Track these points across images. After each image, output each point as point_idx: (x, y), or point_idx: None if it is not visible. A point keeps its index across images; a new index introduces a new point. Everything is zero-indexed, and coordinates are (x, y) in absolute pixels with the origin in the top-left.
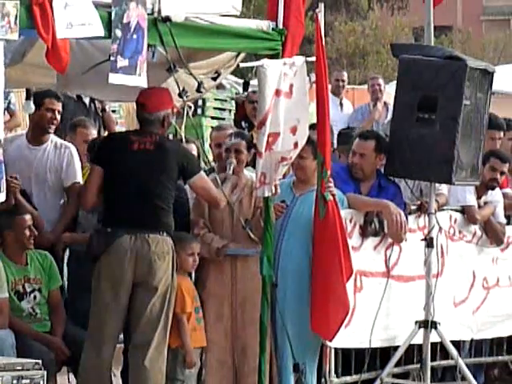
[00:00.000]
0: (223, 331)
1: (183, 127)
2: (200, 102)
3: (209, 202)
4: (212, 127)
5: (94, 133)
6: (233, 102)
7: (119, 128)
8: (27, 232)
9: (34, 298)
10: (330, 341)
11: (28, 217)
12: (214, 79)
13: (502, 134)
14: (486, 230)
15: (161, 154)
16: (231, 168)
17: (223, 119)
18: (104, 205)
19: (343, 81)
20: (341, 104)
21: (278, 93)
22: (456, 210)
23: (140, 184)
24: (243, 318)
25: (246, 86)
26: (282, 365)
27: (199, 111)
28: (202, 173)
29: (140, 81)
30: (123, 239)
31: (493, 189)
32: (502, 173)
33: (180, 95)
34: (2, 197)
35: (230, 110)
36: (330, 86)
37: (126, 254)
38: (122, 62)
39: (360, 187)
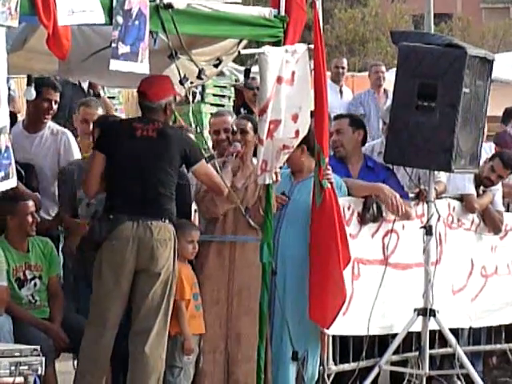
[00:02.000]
0: (218, 316)
1: (182, 114)
2: (200, 89)
3: (212, 189)
4: (211, 114)
5: (97, 112)
6: (232, 89)
7: (118, 114)
8: (30, 218)
9: (35, 285)
10: (327, 329)
11: (31, 203)
12: (216, 66)
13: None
14: (484, 218)
15: (163, 141)
16: (236, 150)
17: (223, 106)
18: (106, 191)
19: (343, 68)
20: (341, 91)
21: (279, 80)
22: (454, 198)
23: (142, 171)
24: (239, 305)
25: (247, 73)
26: (280, 353)
27: (199, 98)
28: (203, 161)
29: (142, 67)
30: (125, 226)
31: (485, 186)
32: (501, 177)
33: (181, 82)
34: (12, 182)
35: (229, 97)
36: (329, 74)
37: (128, 240)
38: (123, 49)
39: (349, 170)
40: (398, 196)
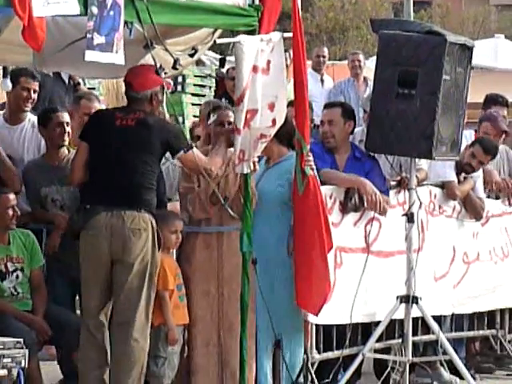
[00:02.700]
0: (209, 308)
1: (164, 105)
2: (180, 79)
3: (200, 173)
4: (193, 104)
5: (97, 106)
6: (213, 79)
7: (98, 106)
8: (10, 212)
9: (17, 277)
10: (317, 315)
11: (12, 196)
12: (191, 56)
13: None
14: (466, 205)
15: (142, 131)
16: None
17: (203, 96)
18: (87, 181)
19: (324, 57)
20: (322, 80)
21: (255, 69)
22: (436, 186)
23: (119, 160)
24: (229, 294)
25: (222, 62)
26: (259, 341)
27: (179, 88)
28: (194, 148)
29: (117, 58)
30: (100, 216)
31: (466, 172)
32: (481, 163)
33: (157, 72)
34: None
35: (210, 87)
36: (310, 62)
37: (102, 230)
38: (98, 40)
39: (336, 160)
40: (378, 193)
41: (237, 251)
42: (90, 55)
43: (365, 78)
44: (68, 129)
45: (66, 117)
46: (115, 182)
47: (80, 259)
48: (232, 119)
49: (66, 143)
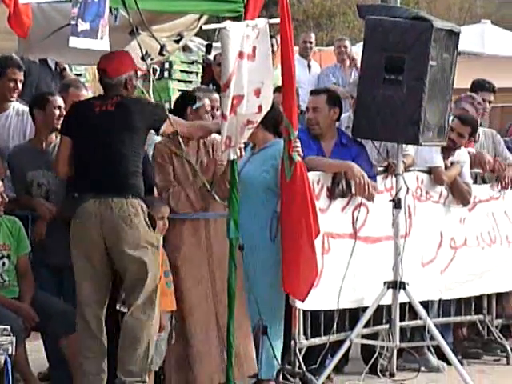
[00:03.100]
0: (204, 294)
1: (150, 91)
2: (167, 65)
3: (191, 134)
4: (179, 90)
5: (84, 94)
6: (200, 65)
7: (86, 93)
8: None
9: (3, 264)
10: (303, 301)
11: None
12: (177, 42)
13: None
14: (453, 191)
15: (122, 113)
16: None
17: (190, 82)
18: (74, 171)
19: (311, 42)
20: (309, 66)
21: (241, 55)
22: (423, 171)
23: (104, 146)
24: (222, 279)
25: (209, 48)
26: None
27: (166, 74)
28: (169, 116)
29: (102, 44)
30: (88, 204)
31: (448, 149)
32: (461, 135)
33: (143, 58)
34: None
35: (197, 73)
36: (297, 48)
37: (91, 218)
38: (82, 26)
39: (322, 147)
40: (365, 176)
41: (224, 236)
42: (74, 42)
43: (351, 64)
44: (64, 113)
45: (61, 101)
46: (101, 169)
47: (71, 247)
48: (217, 103)
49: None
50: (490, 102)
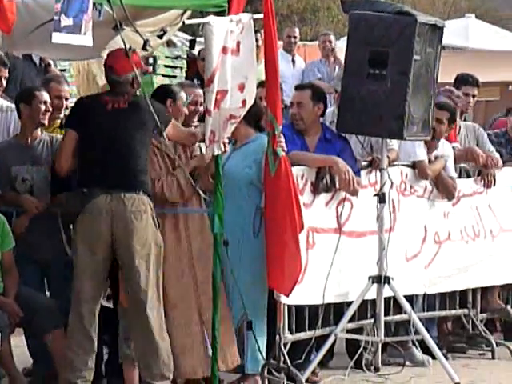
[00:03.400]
0: (186, 288)
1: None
2: (151, 60)
3: (186, 143)
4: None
5: (66, 88)
6: (184, 60)
7: (67, 88)
8: None
9: None
10: (288, 296)
11: None
12: (160, 37)
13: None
14: (437, 185)
15: (135, 112)
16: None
17: (175, 77)
18: (79, 166)
19: (295, 37)
20: (293, 61)
21: (224, 50)
22: (407, 166)
23: (115, 143)
24: (202, 273)
25: (192, 43)
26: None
27: (150, 69)
28: (172, 120)
29: (85, 40)
30: (99, 199)
31: (433, 143)
32: (439, 120)
33: (126, 54)
34: None
35: (181, 68)
36: (281, 43)
37: (102, 213)
38: (65, 21)
39: (306, 142)
40: (350, 170)
41: (201, 229)
42: (57, 37)
43: (336, 59)
44: (50, 108)
45: (47, 96)
46: (112, 165)
47: (75, 243)
48: (201, 98)
49: (46, 122)
50: (473, 96)
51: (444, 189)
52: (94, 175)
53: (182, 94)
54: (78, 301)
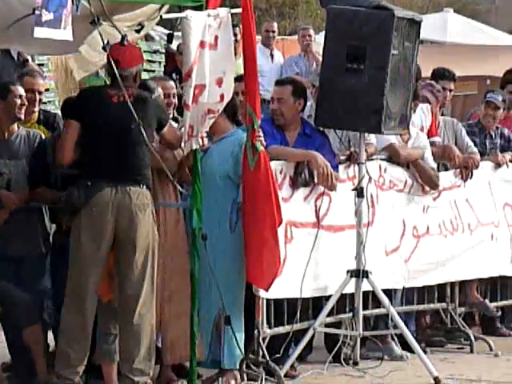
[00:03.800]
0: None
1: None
2: None
3: (175, 145)
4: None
5: (40, 83)
6: (162, 54)
7: (42, 82)
8: None
9: None
10: (267, 290)
11: None
12: (138, 31)
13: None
14: (420, 176)
15: (140, 106)
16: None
17: (153, 71)
18: (83, 158)
19: (273, 31)
20: (271, 55)
21: (202, 44)
22: (385, 160)
23: (121, 136)
24: (171, 264)
25: (170, 37)
26: (203, 316)
27: None
28: (170, 120)
29: (65, 34)
30: (104, 192)
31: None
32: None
33: (104, 48)
34: None
35: (159, 62)
36: (260, 37)
37: (108, 206)
38: (46, 16)
39: (286, 137)
40: (329, 166)
41: (175, 222)
42: (39, 32)
43: (311, 55)
44: (26, 102)
45: (23, 91)
46: (118, 159)
47: (79, 236)
48: (174, 91)
49: (23, 117)
50: (450, 91)
51: (427, 179)
52: (99, 168)
53: (159, 90)
54: (80, 295)
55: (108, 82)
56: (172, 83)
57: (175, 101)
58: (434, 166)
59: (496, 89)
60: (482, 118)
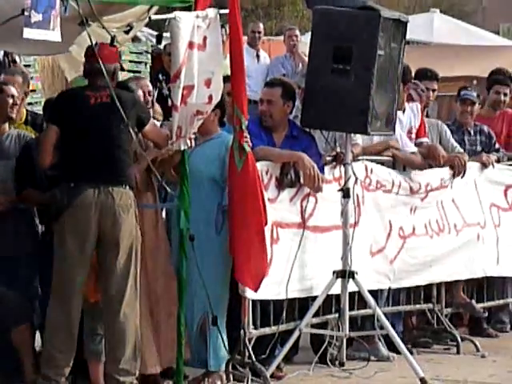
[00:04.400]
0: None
1: None
2: None
3: (160, 144)
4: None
5: (19, 80)
6: (149, 55)
7: (33, 83)
8: None
9: None
10: (256, 291)
11: None
12: (127, 32)
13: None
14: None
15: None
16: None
17: (139, 72)
18: (64, 161)
19: (259, 32)
20: (257, 56)
21: (191, 45)
22: (371, 160)
23: (101, 137)
24: (154, 266)
25: (159, 38)
26: (190, 317)
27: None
28: (151, 119)
29: (54, 35)
30: (87, 193)
31: None
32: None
33: (92, 49)
34: None
35: (145, 63)
36: (246, 38)
37: (91, 207)
38: (35, 17)
39: (273, 138)
40: (315, 167)
41: (154, 224)
42: (28, 33)
43: (296, 55)
44: (18, 102)
45: (15, 91)
46: (99, 160)
47: (63, 237)
48: (149, 88)
49: (14, 116)
50: (433, 91)
51: (411, 166)
52: (81, 170)
53: (140, 92)
54: (65, 296)
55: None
56: (146, 81)
57: (151, 99)
58: (414, 149)
59: (468, 85)
60: (459, 116)
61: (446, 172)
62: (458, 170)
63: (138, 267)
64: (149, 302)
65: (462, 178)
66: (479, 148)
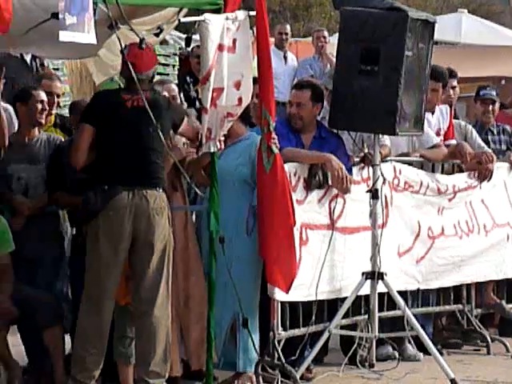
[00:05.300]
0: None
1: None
2: None
3: (193, 139)
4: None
5: (58, 85)
6: (176, 58)
7: (60, 85)
8: None
9: None
10: (287, 292)
11: None
12: (157, 35)
13: (440, 84)
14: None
15: (154, 110)
16: None
17: (167, 75)
18: (99, 163)
19: (286, 34)
20: (285, 57)
21: (220, 47)
22: (400, 161)
23: (135, 140)
24: (184, 268)
25: (188, 41)
26: (219, 319)
27: None
28: (185, 117)
29: (89, 38)
30: (122, 196)
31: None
32: (434, 90)
33: (122, 52)
34: None
35: (173, 66)
36: (273, 40)
37: (126, 210)
38: (70, 20)
39: (302, 139)
40: (344, 168)
41: (183, 226)
42: (64, 35)
43: (325, 57)
44: (47, 107)
45: (44, 96)
46: (134, 163)
47: (97, 240)
48: (175, 92)
49: (44, 121)
50: (453, 88)
51: (437, 157)
52: (115, 172)
53: (165, 93)
54: (97, 298)
55: (122, 86)
56: (173, 85)
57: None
58: (436, 140)
59: (486, 85)
60: (480, 116)
61: (473, 175)
62: (485, 168)
63: (171, 270)
64: (177, 303)
65: (488, 181)
66: (504, 147)
